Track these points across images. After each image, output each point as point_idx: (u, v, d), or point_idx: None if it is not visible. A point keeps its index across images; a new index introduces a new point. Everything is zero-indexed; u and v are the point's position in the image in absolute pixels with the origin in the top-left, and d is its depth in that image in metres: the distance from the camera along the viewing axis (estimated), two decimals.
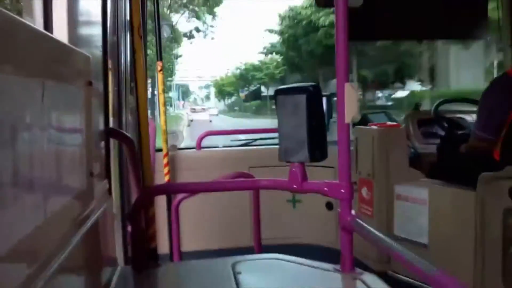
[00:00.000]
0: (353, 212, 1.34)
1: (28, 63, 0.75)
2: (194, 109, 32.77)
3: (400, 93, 21.72)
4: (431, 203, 2.35)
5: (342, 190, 1.32)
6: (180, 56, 30.92)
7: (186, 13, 25.40)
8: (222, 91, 48.80)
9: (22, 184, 0.72)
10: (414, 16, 2.70)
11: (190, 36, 26.67)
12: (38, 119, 0.79)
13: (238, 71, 41.74)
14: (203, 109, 32.54)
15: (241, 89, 42.63)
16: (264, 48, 32.10)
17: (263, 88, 37.49)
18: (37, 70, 0.80)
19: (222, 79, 48.01)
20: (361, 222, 1.30)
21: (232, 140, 3.97)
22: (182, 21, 25.45)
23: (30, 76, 0.76)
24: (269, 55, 33.84)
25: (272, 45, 30.08)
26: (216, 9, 26.17)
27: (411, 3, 2.67)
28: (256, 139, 3.85)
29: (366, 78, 21.54)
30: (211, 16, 26.44)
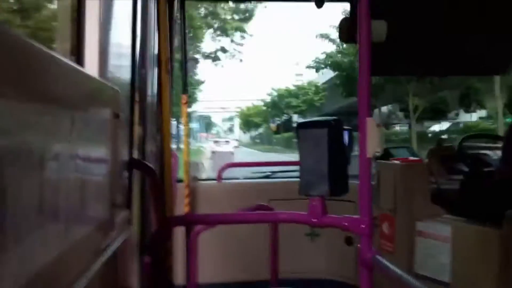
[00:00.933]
0: (373, 248, 1.32)
1: (59, 96, 0.79)
2: (217, 141, 32.13)
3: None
4: (453, 241, 2.29)
5: (363, 225, 1.31)
6: (203, 82, 27.54)
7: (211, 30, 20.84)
8: (248, 122, 46.78)
9: (47, 211, 0.74)
10: (437, 52, 2.70)
11: (215, 58, 21.98)
12: (66, 149, 0.82)
13: (269, 98, 38.02)
14: (226, 141, 31.64)
15: (272, 119, 39.80)
16: (316, 60, 23.83)
17: (297, 118, 33.25)
18: (68, 103, 0.84)
19: (249, 109, 46.03)
20: (381, 259, 1.28)
21: (252, 173, 3.99)
22: (206, 38, 20.80)
23: (61, 109, 0.80)
24: (320, 71, 26.71)
25: (328, 56, 22.53)
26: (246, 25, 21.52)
27: (434, 38, 2.67)
28: (276, 172, 3.85)
29: (417, 107, 19.75)
30: (239, 33, 21.51)
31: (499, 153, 2.79)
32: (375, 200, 2.60)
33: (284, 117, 37.55)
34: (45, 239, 0.72)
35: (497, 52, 2.85)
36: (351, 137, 3.15)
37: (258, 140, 46.11)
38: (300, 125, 1.46)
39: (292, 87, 35.72)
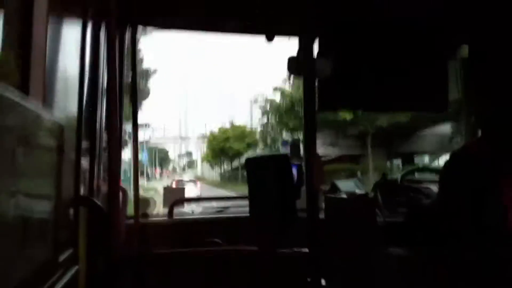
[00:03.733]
0: (323, 282, 1.35)
1: (1, 130, 0.78)
2: (180, 180, 25.86)
3: None
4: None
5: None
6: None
7: None
8: (223, 151, 36.51)
9: None
10: (379, 88, 2.82)
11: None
12: (6, 185, 0.80)
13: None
14: (192, 181, 25.39)
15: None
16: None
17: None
18: (9, 137, 0.82)
19: (224, 132, 37.18)
20: None
21: (204, 208, 3.95)
22: None
23: (1, 142, 0.78)
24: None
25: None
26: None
27: (376, 74, 2.79)
28: (229, 207, 3.83)
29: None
30: None
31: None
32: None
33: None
34: None
35: (434, 90, 3.02)
36: (300, 172, 3.21)
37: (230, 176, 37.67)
38: (249, 161, 1.49)
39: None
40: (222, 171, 44.11)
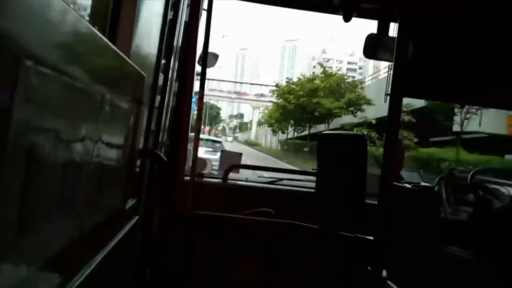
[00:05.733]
0: (384, 273, 1.29)
1: (91, 71, 0.76)
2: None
3: None
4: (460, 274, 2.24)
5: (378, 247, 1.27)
6: None
7: None
8: (304, 109, 25.50)
9: (67, 193, 0.71)
10: (465, 79, 2.64)
11: None
12: (92, 131, 0.79)
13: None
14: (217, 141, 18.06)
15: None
16: None
17: None
18: (99, 80, 0.81)
19: (309, 81, 26.40)
20: (391, 284, 1.25)
21: (259, 176, 3.94)
22: None
23: (92, 85, 0.76)
24: None
25: None
26: None
27: (463, 65, 2.61)
28: (282, 179, 3.80)
29: None
30: None
31: (509, 189, 2.74)
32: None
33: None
34: (63, 220, 0.70)
35: None
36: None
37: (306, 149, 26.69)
38: (323, 136, 1.42)
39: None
40: (286, 138, 33.88)
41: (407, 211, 2.44)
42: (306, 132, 28.63)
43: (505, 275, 2.02)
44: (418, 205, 2.44)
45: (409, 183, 2.70)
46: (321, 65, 28.91)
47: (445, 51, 2.30)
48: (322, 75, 26.75)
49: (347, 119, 24.48)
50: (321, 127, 25.68)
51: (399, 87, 1.30)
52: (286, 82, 30.42)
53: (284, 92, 28.15)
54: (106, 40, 0.83)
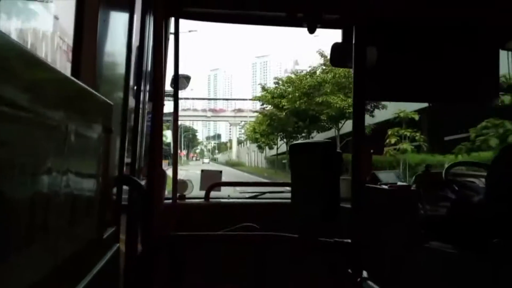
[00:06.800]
0: (365, 273, 1.32)
1: (54, 106, 0.78)
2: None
3: None
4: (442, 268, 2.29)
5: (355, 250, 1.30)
6: None
7: None
8: (305, 113, 21.63)
9: (38, 226, 0.72)
10: (426, 79, 2.75)
11: None
12: (58, 163, 0.80)
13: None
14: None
15: None
16: None
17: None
18: (62, 114, 0.82)
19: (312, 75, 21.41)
20: (371, 284, 1.28)
21: (240, 192, 3.95)
22: None
23: (55, 119, 0.78)
24: None
25: None
26: None
27: (423, 65, 2.72)
28: (264, 193, 3.82)
29: None
30: None
31: (484, 180, 2.81)
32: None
33: None
34: (35, 256, 0.70)
35: (483, 80, 2.91)
36: (340, 160, 3.16)
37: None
38: (293, 146, 1.46)
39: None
40: (276, 153, 28.63)
41: (386, 212, 2.49)
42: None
43: (485, 268, 2.07)
44: (396, 204, 2.49)
45: (386, 184, 2.76)
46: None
47: (401, 54, 2.39)
48: (324, 66, 20.99)
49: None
50: (324, 134, 22.06)
51: (360, 91, 1.35)
52: (275, 83, 25.18)
53: (274, 96, 23.56)
54: (65, 74, 0.85)
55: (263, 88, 25.73)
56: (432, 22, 2.51)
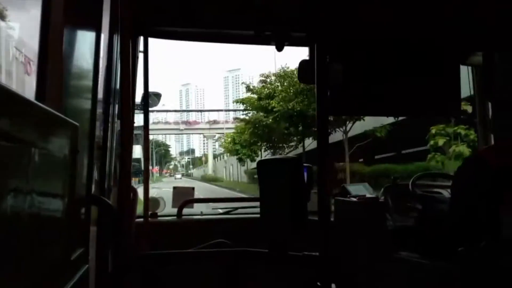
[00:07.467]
0: (333, 286, 1.35)
1: (17, 131, 0.78)
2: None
3: None
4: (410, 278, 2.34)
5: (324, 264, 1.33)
6: None
7: None
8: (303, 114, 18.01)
9: (1, 248, 0.72)
10: (391, 94, 2.83)
11: None
12: (22, 186, 0.81)
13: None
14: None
15: None
16: None
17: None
18: (26, 139, 0.83)
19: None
20: None
21: (213, 208, 3.95)
22: None
23: (19, 143, 0.79)
24: None
25: None
26: None
27: (388, 80, 2.81)
28: (237, 208, 3.83)
29: None
30: None
31: (448, 190, 2.90)
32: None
33: None
34: None
35: (445, 96, 3.01)
36: (310, 174, 3.21)
37: None
38: (261, 163, 1.49)
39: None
40: (247, 168, 26.80)
41: (355, 224, 2.54)
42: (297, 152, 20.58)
43: (453, 275, 2.13)
44: (364, 216, 2.54)
45: (355, 196, 2.81)
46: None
47: (366, 70, 2.47)
48: None
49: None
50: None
51: (323, 107, 1.40)
52: (262, 81, 21.99)
53: (262, 97, 20.62)
54: (27, 98, 0.86)
55: (248, 88, 22.31)
56: (397, 38, 2.60)
